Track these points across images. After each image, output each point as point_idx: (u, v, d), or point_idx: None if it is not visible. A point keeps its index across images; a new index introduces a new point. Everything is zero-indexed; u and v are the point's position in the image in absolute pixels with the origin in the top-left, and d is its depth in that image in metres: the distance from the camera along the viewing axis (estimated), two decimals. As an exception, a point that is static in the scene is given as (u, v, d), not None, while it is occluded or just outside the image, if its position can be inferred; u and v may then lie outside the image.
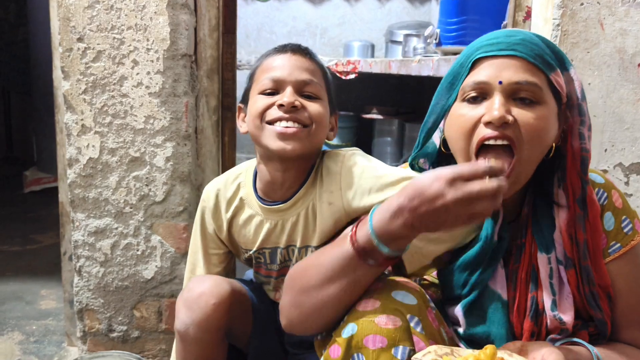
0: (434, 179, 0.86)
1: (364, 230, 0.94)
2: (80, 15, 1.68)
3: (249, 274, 1.52)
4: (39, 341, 2.10)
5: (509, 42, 1.00)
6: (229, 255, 1.46)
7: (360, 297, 0.98)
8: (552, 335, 1.06)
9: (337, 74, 3.45)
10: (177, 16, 1.69)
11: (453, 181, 0.85)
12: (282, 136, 1.22)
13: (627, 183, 1.64)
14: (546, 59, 1.00)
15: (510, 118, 0.96)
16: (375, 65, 3.32)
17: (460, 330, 1.11)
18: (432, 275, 1.18)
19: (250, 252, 1.38)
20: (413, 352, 0.92)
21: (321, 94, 1.29)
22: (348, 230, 1.01)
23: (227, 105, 1.86)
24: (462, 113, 1.02)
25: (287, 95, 1.23)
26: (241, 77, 2.07)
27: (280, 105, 1.23)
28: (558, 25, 1.57)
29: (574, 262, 1.05)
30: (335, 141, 3.82)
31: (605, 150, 1.62)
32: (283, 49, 1.31)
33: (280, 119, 1.23)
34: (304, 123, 1.24)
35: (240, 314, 1.34)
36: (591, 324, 1.08)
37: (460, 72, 1.05)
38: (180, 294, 1.32)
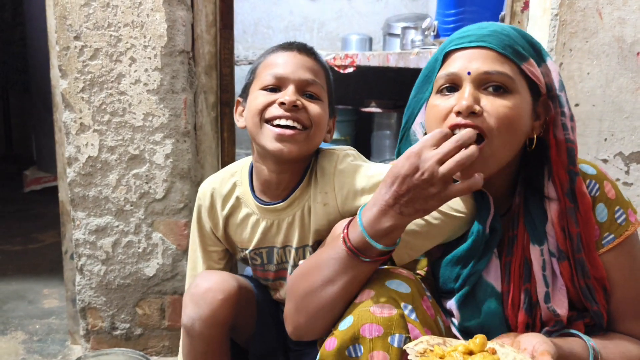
0: (405, 158, 0.90)
1: (356, 230, 0.96)
2: (77, 13, 1.67)
3: (249, 270, 1.52)
4: (43, 340, 2.11)
5: (479, 34, 1.03)
6: (229, 252, 1.45)
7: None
8: (547, 328, 1.06)
9: (335, 68, 3.44)
10: (174, 12, 1.69)
11: (421, 151, 0.89)
12: (280, 137, 1.21)
13: (627, 172, 1.63)
14: (517, 49, 1.02)
15: (477, 108, 0.99)
16: (373, 59, 3.31)
17: (456, 322, 1.12)
18: (424, 270, 1.19)
19: (247, 252, 1.37)
20: (409, 339, 0.93)
21: (322, 96, 1.28)
22: (339, 228, 1.04)
23: (226, 101, 1.86)
24: (435, 104, 1.05)
25: (289, 94, 1.22)
26: (239, 73, 2.07)
27: (282, 104, 1.22)
28: (556, 15, 1.56)
29: (567, 255, 1.05)
30: (334, 134, 3.82)
31: (605, 139, 1.62)
32: (289, 46, 1.30)
33: (280, 117, 1.22)
34: (304, 124, 1.23)
35: (245, 310, 1.35)
36: (586, 314, 1.08)
37: (434, 66, 1.09)
38: (186, 289, 1.32)
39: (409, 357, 0.87)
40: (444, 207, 1.06)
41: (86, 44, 1.69)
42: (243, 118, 1.33)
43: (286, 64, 1.25)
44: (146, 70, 1.70)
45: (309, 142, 1.25)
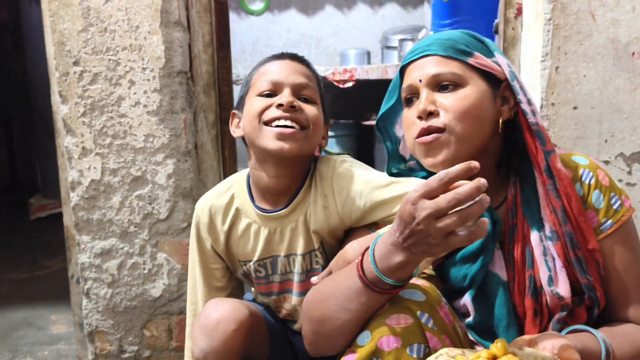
0: (404, 202, 0.88)
1: (368, 265, 0.95)
2: (75, 39, 1.70)
3: (249, 296, 1.51)
4: (52, 366, 2.11)
5: (424, 45, 1.14)
6: (229, 270, 1.44)
7: None
8: (556, 316, 1.07)
9: (335, 83, 3.46)
10: (171, 34, 1.71)
11: (417, 200, 0.85)
12: (280, 136, 1.23)
13: (629, 172, 1.63)
14: (459, 48, 1.11)
15: (432, 107, 1.08)
16: (372, 72, 3.33)
17: (470, 319, 1.12)
18: (429, 269, 1.19)
19: (250, 264, 1.36)
20: (427, 348, 0.93)
21: (317, 99, 1.31)
22: (350, 252, 1.08)
23: (226, 119, 1.87)
24: (405, 116, 1.16)
25: (286, 96, 1.25)
26: (238, 92, 2.08)
27: (279, 105, 1.24)
28: (550, 19, 1.57)
29: (558, 234, 1.08)
30: (336, 149, 3.83)
31: (606, 141, 1.62)
32: (281, 55, 1.34)
33: (278, 118, 1.24)
34: (302, 124, 1.25)
35: (257, 337, 1.32)
36: (585, 298, 1.09)
37: (397, 81, 1.21)
38: (196, 319, 1.29)
39: None
40: None
41: (85, 69, 1.71)
42: (240, 129, 1.34)
43: (280, 70, 1.29)
44: (145, 92, 1.72)
45: (307, 141, 1.26)
